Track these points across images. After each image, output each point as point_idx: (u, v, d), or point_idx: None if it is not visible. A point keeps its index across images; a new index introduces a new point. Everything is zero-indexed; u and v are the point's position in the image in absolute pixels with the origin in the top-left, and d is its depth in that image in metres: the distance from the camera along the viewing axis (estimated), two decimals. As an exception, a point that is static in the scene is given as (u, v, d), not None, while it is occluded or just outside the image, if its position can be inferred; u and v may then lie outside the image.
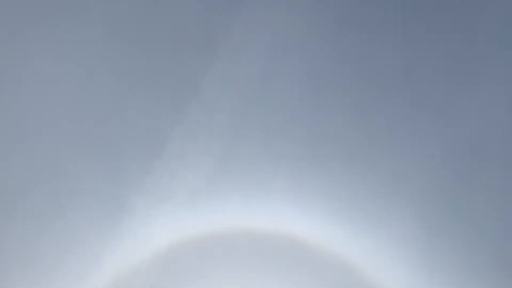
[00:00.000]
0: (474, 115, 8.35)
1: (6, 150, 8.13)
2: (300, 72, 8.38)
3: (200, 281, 7.98)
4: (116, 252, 7.89)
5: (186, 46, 8.35)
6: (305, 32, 8.38)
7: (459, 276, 8.00)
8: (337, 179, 8.19)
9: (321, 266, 8.06)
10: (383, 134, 8.32)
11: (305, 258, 8.06)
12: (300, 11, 8.38)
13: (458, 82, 8.41)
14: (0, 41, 8.25)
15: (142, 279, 7.99)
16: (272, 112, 8.31)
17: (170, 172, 8.03)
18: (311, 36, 8.38)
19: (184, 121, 8.11)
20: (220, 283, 7.99)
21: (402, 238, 8.10)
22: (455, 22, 8.48)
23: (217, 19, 8.33)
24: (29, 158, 8.13)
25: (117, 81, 8.28)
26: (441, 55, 8.45)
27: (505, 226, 8.12)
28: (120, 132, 8.19)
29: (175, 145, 8.09)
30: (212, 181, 8.07)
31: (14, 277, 7.93)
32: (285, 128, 8.30)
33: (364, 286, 8.04)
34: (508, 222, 8.13)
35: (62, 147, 8.14)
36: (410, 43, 8.43)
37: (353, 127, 8.30)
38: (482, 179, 8.29)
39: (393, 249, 8.08)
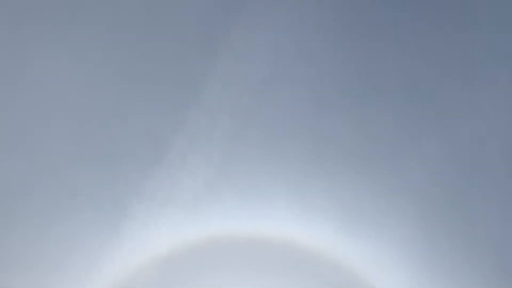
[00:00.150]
0: (474, 116, 8.35)
1: (6, 154, 8.12)
2: (302, 76, 8.36)
3: (199, 286, 7.99)
4: (115, 257, 7.89)
5: (187, 50, 8.32)
6: (306, 35, 8.35)
7: (460, 279, 8.02)
8: (338, 185, 8.18)
9: (322, 271, 8.07)
10: (385, 137, 8.32)
11: (306, 263, 8.07)
12: (301, 14, 8.35)
13: (459, 83, 8.40)
14: (0, 41, 8.21)
15: (141, 283, 8.00)
16: (273, 117, 8.30)
17: (171, 177, 8.02)
18: (312, 40, 8.36)
19: (184, 125, 8.09)
20: (220, 288, 8.02)
21: (404, 242, 8.12)
22: (456, 23, 8.46)
23: (218, 24, 8.29)
24: (29, 163, 8.11)
25: (117, 86, 8.26)
26: (442, 56, 8.43)
27: (507, 229, 8.14)
28: (121, 137, 8.18)
29: (175, 149, 8.07)
30: (212, 186, 8.06)
31: (13, 281, 7.93)
32: (286, 133, 8.28)
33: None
34: (509, 224, 8.14)
35: (63, 151, 8.12)
36: (411, 46, 8.42)
37: (355, 132, 8.29)
38: (483, 181, 8.29)
39: (395, 252, 8.09)
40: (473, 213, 8.25)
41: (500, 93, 8.40)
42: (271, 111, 8.30)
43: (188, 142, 8.13)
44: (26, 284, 7.92)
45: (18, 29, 8.27)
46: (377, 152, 8.30)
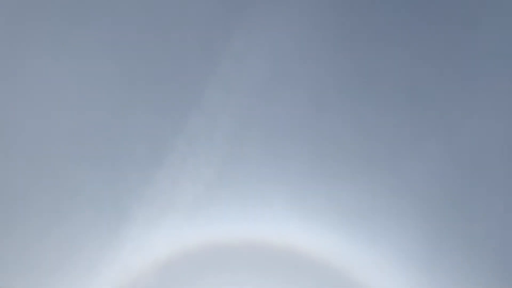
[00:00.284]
0: (474, 116, 8.35)
1: (6, 155, 8.09)
2: (302, 77, 8.34)
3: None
4: (116, 261, 7.88)
5: (187, 51, 8.30)
6: (306, 35, 8.33)
7: (460, 279, 8.03)
8: (339, 186, 8.18)
9: (323, 273, 8.07)
10: (385, 137, 8.32)
11: (306, 265, 8.06)
12: (301, 14, 8.33)
13: (459, 84, 8.39)
14: (0, 41, 8.18)
15: (141, 285, 7.99)
16: (273, 118, 8.29)
17: (171, 181, 8.00)
18: (313, 40, 8.34)
19: (185, 129, 8.08)
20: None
21: (404, 242, 8.12)
22: (456, 24, 8.45)
23: (218, 24, 8.27)
24: (29, 164, 8.09)
25: (118, 87, 8.24)
26: (442, 57, 8.42)
27: (507, 229, 8.14)
28: (121, 138, 8.16)
29: (176, 153, 8.05)
30: (213, 190, 8.05)
31: (14, 282, 7.92)
32: (286, 134, 8.27)
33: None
34: (509, 224, 8.15)
35: (63, 153, 8.10)
36: (411, 46, 8.41)
37: (355, 132, 8.28)
38: (483, 182, 8.30)
39: (395, 253, 8.09)
40: (473, 213, 8.25)
41: (500, 93, 8.40)
42: (271, 112, 8.29)
43: (188, 143, 8.11)
44: (26, 285, 7.90)
45: (18, 29, 8.24)
46: (378, 152, 8.30)
